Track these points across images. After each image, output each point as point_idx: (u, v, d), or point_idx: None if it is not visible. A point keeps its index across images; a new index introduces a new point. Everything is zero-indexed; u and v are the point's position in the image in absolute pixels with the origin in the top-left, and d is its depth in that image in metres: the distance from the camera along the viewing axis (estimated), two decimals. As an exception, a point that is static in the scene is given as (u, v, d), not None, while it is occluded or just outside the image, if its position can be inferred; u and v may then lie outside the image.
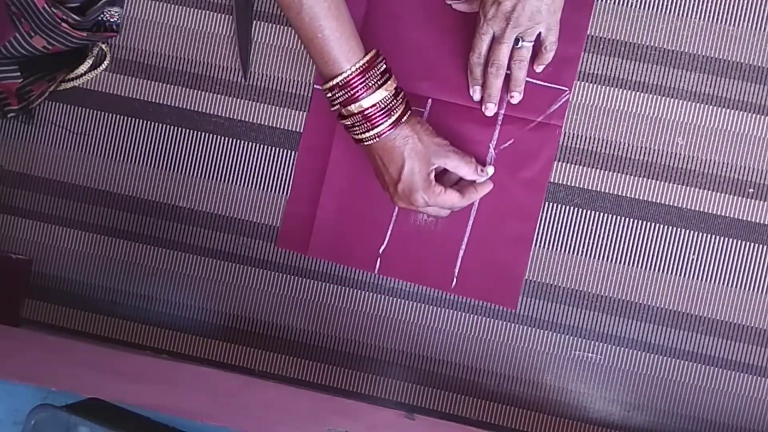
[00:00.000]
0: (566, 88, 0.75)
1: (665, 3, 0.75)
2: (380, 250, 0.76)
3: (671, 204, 0.75)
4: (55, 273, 0.80)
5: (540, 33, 0.70)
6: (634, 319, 0.75)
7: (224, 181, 0.79)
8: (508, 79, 0.73)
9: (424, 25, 0.76)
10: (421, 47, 0.76)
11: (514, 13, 0.67)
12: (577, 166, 0.76)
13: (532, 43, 0.70)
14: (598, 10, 0.75)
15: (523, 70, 0.72)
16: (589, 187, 0.76)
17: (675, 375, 0.75)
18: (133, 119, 0.80)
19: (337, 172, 0.77)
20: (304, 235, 0.77)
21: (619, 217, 0.75)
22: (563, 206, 0.76)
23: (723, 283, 0.75)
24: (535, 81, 0.74)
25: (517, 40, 0.70)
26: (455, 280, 0.76)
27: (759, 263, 0.74)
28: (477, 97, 0.75)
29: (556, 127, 0.75)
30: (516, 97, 0.74)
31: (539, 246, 0.76)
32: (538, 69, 0.74)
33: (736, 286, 0.75)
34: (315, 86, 0.77)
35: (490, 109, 0.74)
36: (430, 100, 0.76)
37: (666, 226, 0.75)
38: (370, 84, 0.66)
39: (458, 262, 0.76)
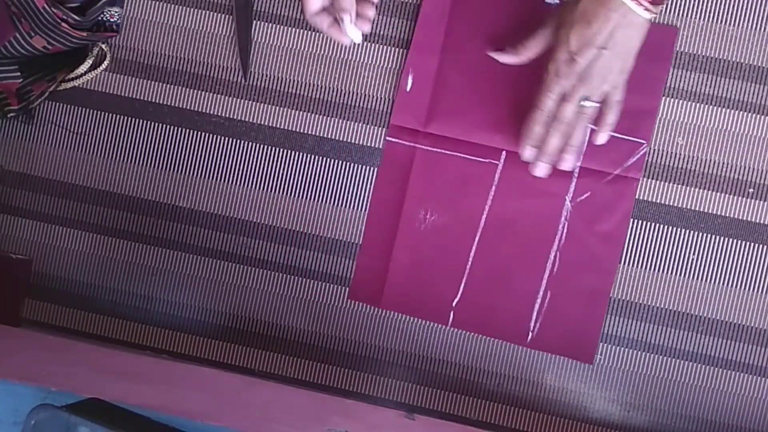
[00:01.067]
0: (644, 141, 0.74)
1: (665, 3, 0.75)
2: (453, 303, 0.76)
3: (671, 204, 0.75)
4: (55, 273, 0.80)
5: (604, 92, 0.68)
6: (634, 319, 0.75)
7: (224, 181, 0.79)
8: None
9: (498, 77, 0.75)
10: (495, 99, 0.75)
11: (588, 70, 0.65)
12: (577, 166, 0.75)
13: (598, 104, 0.68)
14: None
15: (584, 127, 0.69)
16: (589, 187, 0.76)
17: (675, 375, 0.75)
18: (133, 119, 0.80)
19: (410, 225, 0.76)
20: (377, 287, 0.77)
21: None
22: (563, 206, 0.76)
23: (723, 283, 0.75)
24: (612, 133, 0.72)
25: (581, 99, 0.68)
26: (530, 334, 0.75)
27: (759, 263, 0.74)
28: (529, 156, 0.71)
29: (634, 180, 0.74)
30: (569, 161, 0.70)
31: (539, 246, 0.76)
32: (600, 141, 0.71)
33: (736, 286, 0.75)
34: (387, 138, 0.77)
35: (542, 169, 0.71)
36: (504, 152, 0.75)
37: (666, 226, 0.75)
38: None
39: (534, 316, 0.75)
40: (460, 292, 0.76)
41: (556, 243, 0.75)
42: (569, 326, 0.75)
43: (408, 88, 0.76)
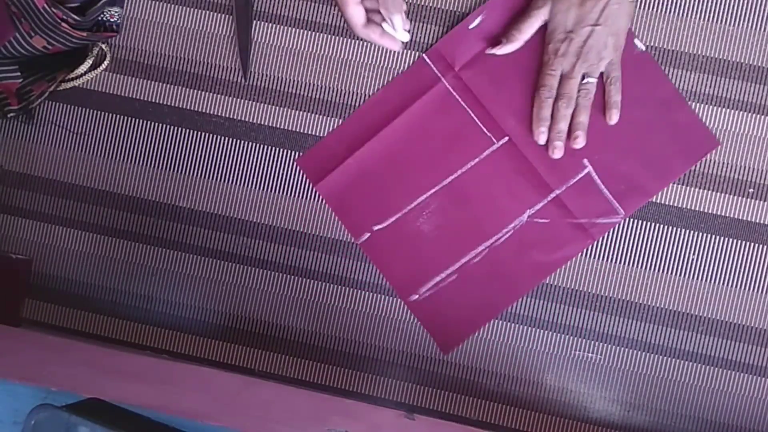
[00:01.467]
0: (622, 214, 0.74)
1: (665, 3, 0.75)
2: (374, 228, 0.77)
3: (671, 204, 0.75)
4: (55, 273, 0.80)
5: (602, 71, 0.72)
6: (634, 319, 0.75)
7: (224, 181, 0.79)
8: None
9: (532, 71, 0.75)
10: (528, 88, 0.75)
11: (585, 47, 0.70)
12: (577, 166, 0.75)
13: (597, 79, 0.72)
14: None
15: (589, 103, 0.72)
16: (589, 187, 0.76)
17: (675, 375, 0.75)
18: (133, 119, 0.80)
19: (386, 140, 0.76)
20: (326, 168, 0.77)
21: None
22: (563, 206, 0.76)
23: (723, 283, 0.75)
24: (603, 189, 0.74)
25: (582, 77, 0.71)
26: (416, 296, 0.76)
27: (759, 263, 0.74)
28: (543, 139, 0.73)
29: (589, 238, 0.75)
30: (580, 138, 0.72)
31: (539, 246, 0.76)
32: (614, 119, 0.73)
33: (736, 286, 0.75)
34: (424, 55, 0.76)
35: (558, 149, 0.73)
36: (506, 138, 0.75)
37: (666, 226, 0.75)
38: None
39: (430, 284, 0.76)
40: (385, 224, 0.76)
41: (490, 241, 0.75)
42: (449, 313, 0.76)
43: (471, 26, 0.76)
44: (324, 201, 0.78)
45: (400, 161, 0.77)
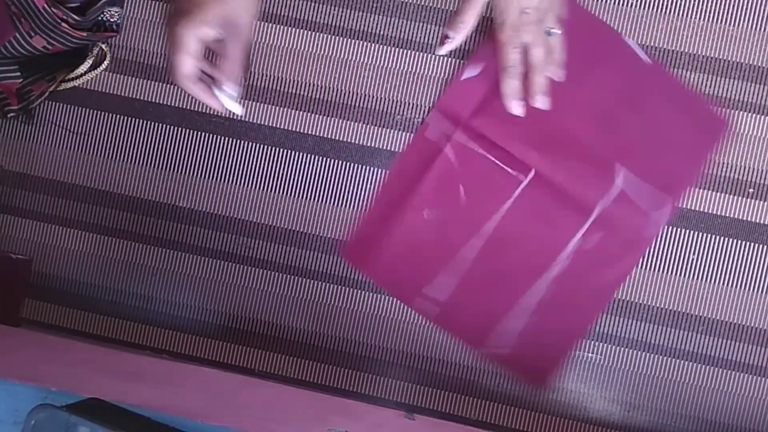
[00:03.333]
0: (670, 205, 0.74)
1: (665, 3, 0.75)
2: (434, 296, 0.76)
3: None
4: (55, 273, 0.80)
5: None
6: (634, 319, 0.75)
7: (224, 181, 0.79)
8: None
9: (561, 101, 0.73)
10: (540, 117, 0.73)
11: (540, 13, 0.67)
12: (577, 166, 0.75)
13: (560, 28, 0.69)
14: (598, 11, 0.75)
15: (561, 55, 0.71)
16: (589, 187, 0.76)
17: (675, 375, 0.75)
18: (133, 119, 0.80)
19: (418, 207, 0.75)
20: (368, 256, 0.76)
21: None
22: (563, 206, 0.76)
23: (723, 283, 0.75)
24: (645, 185, 0.74)
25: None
26: (499, 350, 0.75)
27: (759, 263, 0.74)
28: (518, 110, 0.71)
29: (647, 242, 0.74)
30: (559, 72, 0.71)
31: (539, 246, 0.76)
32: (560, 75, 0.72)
33: (736, 286, 0.75)
34: (427, 119, 0.76)
35: (543, 101, 0.71)
36: (533, 171, 0.74)
37: (666, 226, 0.75)
38: None
39: (503, 330, 0.75)
40: (442, 289, 0.76)
41: (552, 272, 0.74)
42: (529, 355, 0.75)
43: (471, 75, 0.75)
44: (325, 203, 0.78)
45: (436, 224, 0.75)
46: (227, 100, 0.68)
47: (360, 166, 0.78)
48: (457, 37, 0.70)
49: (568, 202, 0.74)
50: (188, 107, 0.79)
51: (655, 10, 0.75)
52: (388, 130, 0.77)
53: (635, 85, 0.73)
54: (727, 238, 0.75)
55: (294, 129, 0.78)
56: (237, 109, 0.69)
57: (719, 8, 0.75)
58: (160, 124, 0.80)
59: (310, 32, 0.78)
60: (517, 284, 0.75)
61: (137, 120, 0.80)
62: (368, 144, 0.78)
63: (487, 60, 0.75)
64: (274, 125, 0.79)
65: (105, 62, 0.79)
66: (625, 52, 0.74)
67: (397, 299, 0.77)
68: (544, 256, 0.74)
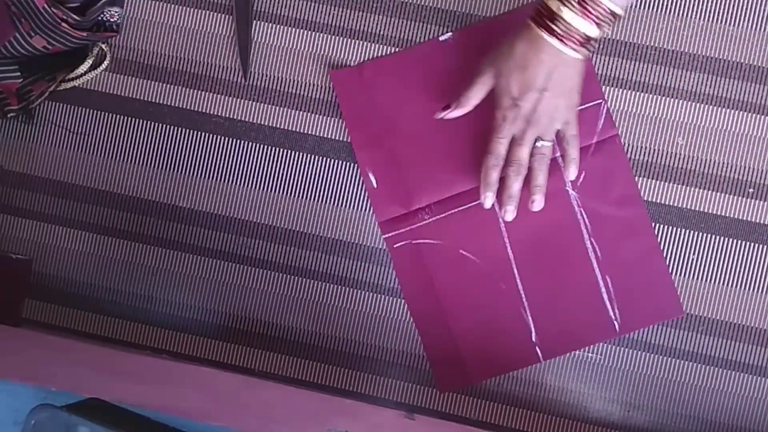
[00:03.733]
0: (600, 100, 0.74)
1: (665, 3, 0.75)
2: (533, 339, 0.75)
3: (671, 204, 0.75)
4: (55, 273, 0.80)
5: (558, 129, 0.68)
6: (634, 319, 0.75)
7: (224, 181, 0.79)
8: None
9: (443, 124, 0.72)
10: (455, 142, 0.74)
11: (534, 114, 0.66)
12: (577, 166, 0.75)
13: (552, 142, 0.69)
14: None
15: (545, 166, 0.69)
16: (589, 187, 0.76)
17: (675, 375, 0.75)
18: (133, 119, 0.80)
19: (452, 299, 0.75)
20: (460, 370, 0.76)
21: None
22: (563, 206, 0.76)
23: (723, 283, 0.75)
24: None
25: (537, 140, 0.68)
26: (616, 322, 0.75)
27: (759, 263, 0.74)
28: (489, 203, 0.70)
29: (614, 138, 0.74)
30: (537, 201, 0.70)
31: (539, 246, 0.76)
32: (571, 177, 0.71)
33: (736, 286, 0.75)
34: (384, 237, 0.76)
35: (510, 213, 0.70)
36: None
37: (666, 226, 0.75)
38: None
39: (608, 305, 0.74)
40: (532, 326, 0.75)
41: (585, 232, 0.75)
42: (643, 295, 0.74)
43: (375, 185, 0.76)
44: (325, 203, 0.78)
45: (479, 294, 0.75)
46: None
47: (359, 166, 0.78)
48: (457, 111, 0.71)
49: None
50: (188, 107, 0.79)
51: (655, 10, 0.75)
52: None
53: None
54: (727, 238, 0.75)
55: (294, 129, 0.78)
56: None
57: (719, 8, 0.75)
58: (160, 124, 0.80)
59: (310, 32, 0.78)
60: (575, 265, 0.75)
61: (137, 120, 0.80)
62: (368, 144, 0.78)
63: (370, 156, 0.76)
64: (274, 125, 0.79)
65: (105, 62, 0.79)
66: None
67: (526, 366, 0.76)
68: (567, 224, 0.75)
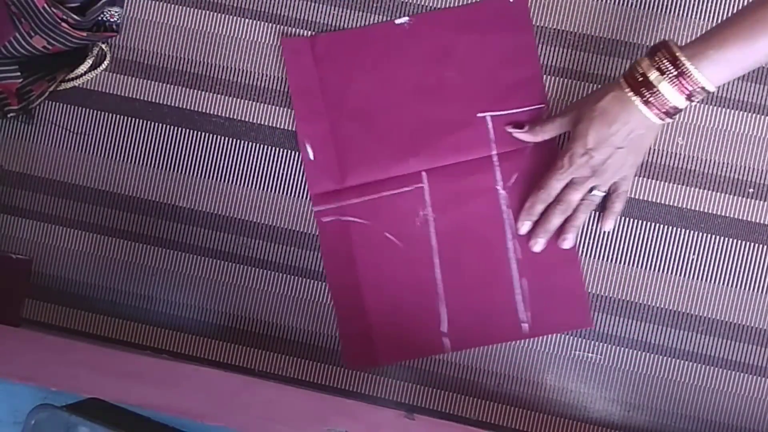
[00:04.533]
0: (543, 105, 0.75)
1: (665, 3, 0.75)
2: (443, 329, 0.76)
3: (671, 204, 0.75)
4: (55, 273, 0.80)
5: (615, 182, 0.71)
6: (634, 319, 0.75)
7: (224, 181, 0.79)
8: None
9: (389, 107, 0.76)
10: (394, 128, 0.76)
11: (603, 166, 0.68)
12: (577, 166, 0.75)
13: (605, 193, 0.71)
14: (597, 10, 0.75)
15: (589, 212, 0.72)
16: (589, 187, 0.76)
17: (675, 375, 0.75)
18: (133, 119, 0.80)
19: (371, 279, 0.76)
20: (368, 349, 0.76)
21: (619, 217, 0.75)
22: (563, 206, 0.76)
23: (723, 283, 0.75)
24: (512, 111, 0.75)
25: (591, 188, 0.71)
26: (525, 325, 0.75)
27: (759, 263, 0.74)
28: (524, 231, 0.74)
29: (552, 144, 0.75)
30: (569, 241, 0.73)
31: (539, 246, 0.76)
32: (608, 226, 0.74)
33: (736, 286, 0.75)
34: (315, 209, 0.77)
35: (539, 246, 0.73)
36: (424, 173, 0.76)
37: (666, 226, 0.75)
38: None
39: (519, 306, 0.75)
40: (444, 317, 0.76)
41: (509, 232, 0.75)
42: (555, 301, 0.75)
43: (311, 157, 0.77)
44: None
45: (397, 277, 0.76)
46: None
47: (360, 166, 0.78)
48: (525, 137, 0.73)
49: (470, 168, 0.75)
50: (188, 107, 0.79)
51: (655, 10, 0.75)
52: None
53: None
54: (727, 238, 0.75)
55: (294, 129, 0.78)
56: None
57: (719, 8, 0.75)
58: (160, 124, 0.80)
59: (310, 32, 0.78)
60: (495, 262, 0.75)
61: (137, 120, 0.80)
62: (368, 144, 0.78)
63: (311, 129, 0.77)
64: (274, 125, 0.79)
65: (105, 62, 0.79)
66: None
67: (432, 355, 0.76)
68: (492, 222, 0.75)
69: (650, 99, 0.64)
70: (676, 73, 0.62)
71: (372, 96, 0.76)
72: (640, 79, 0.64)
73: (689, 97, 0.63)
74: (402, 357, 0.76)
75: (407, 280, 0.76)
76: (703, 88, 0.62)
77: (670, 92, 0.63)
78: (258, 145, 0.79)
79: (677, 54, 0.62)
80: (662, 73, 0.62)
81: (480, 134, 0.75)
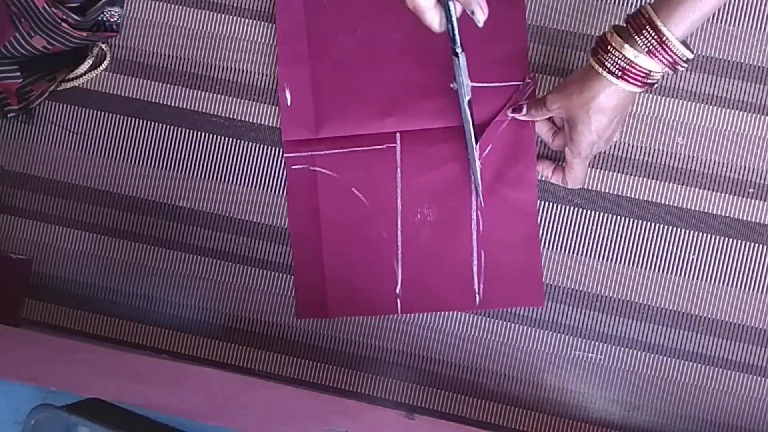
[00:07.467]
0: (529, 81, 0.75)
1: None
2: (397, 291, 0.76)
3: (671, 204, 0.75)
4: (55, 273, 0.80)
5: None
6: (634, 319, 0.75)
7: (224, 181, 0.79)
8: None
9: (372, 65, 0.76)
10: (374, 86, 0.76)
11: (609, 140, 0.68)
12: (577, 166, 0.75)
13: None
14: (597, 10, 0.75)
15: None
16: (589, 187, 0.76)
17: (675, 375, 0.75)
18: (133, 119, 0.80)
19: (332, 232, 0.76)
20: (320, 301, 0.77)
21: (619, 217, 0.75)
22: (563, 206, 0.76)
23: (723, 283, 0.75)
24: (494, 84, 0.74)
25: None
26: (477, 296, 0.75)
27: (759, 263, 0.74)
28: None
29: (529, 122, 0.74)
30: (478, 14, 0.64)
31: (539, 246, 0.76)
32: (570, 186, 0.74)
33: (736, 286, 0.75)
34: (286, 156, 0.77)
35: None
36: (398, 134, 0.76)
37: (666, 226, 0.75)
38: None
39: (475, 278, 0.75)
40: (399, 279, 0.76)
41: (473, 203, 0.75)
42: (511, 277, 0.75)
43: (289, 103, 0.77)
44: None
45: (356, 233, 0.76)
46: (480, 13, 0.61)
47: (360, 166, 0.78)
48: (521, 117, 0.73)
49: (445, 136, 0.75)
50: (188, 107, 0.79)
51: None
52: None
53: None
54: (727, 238, 0.75)
55: (294, 129, 0.78)
56: (480, 16, 0.60)
57: (719, 8, 0.74)
58: (160, 124, 0.80)
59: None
60: (456, 231, 0.75)
61: (137, 120, 0.80)
62: (368, 144, 0.78)
63: (293, 74, 0.76)
64: (274, 125, 0.79)
65: (105, 62, 0.79)
66: None
67: (383, 314, 0.77)
68: (459, 190, 0.75)
69: (629, 76, 0.62)
70: (656, 44, 0.61)
71: (356, 51, 0.76)
72: (622, 63, 0.62)
73: (672, 66, 0.62)
74: (352, 313, 0.77)
75: (368, 237, 0.76)
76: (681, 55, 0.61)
77: (648, 63, 0.62)
78: (258, 145, 0.79)
79: (657, 23, 0.60)
80: (634, 46, 0.61)
81: (458, 103, 0.74)
